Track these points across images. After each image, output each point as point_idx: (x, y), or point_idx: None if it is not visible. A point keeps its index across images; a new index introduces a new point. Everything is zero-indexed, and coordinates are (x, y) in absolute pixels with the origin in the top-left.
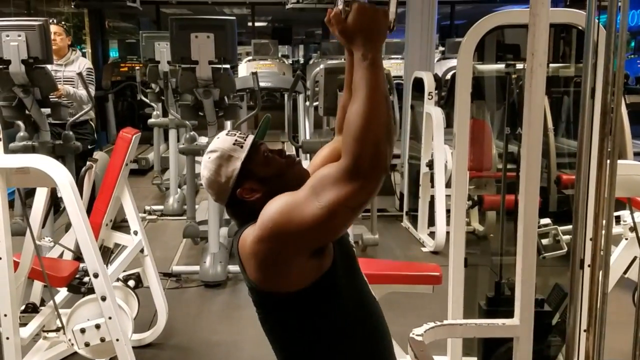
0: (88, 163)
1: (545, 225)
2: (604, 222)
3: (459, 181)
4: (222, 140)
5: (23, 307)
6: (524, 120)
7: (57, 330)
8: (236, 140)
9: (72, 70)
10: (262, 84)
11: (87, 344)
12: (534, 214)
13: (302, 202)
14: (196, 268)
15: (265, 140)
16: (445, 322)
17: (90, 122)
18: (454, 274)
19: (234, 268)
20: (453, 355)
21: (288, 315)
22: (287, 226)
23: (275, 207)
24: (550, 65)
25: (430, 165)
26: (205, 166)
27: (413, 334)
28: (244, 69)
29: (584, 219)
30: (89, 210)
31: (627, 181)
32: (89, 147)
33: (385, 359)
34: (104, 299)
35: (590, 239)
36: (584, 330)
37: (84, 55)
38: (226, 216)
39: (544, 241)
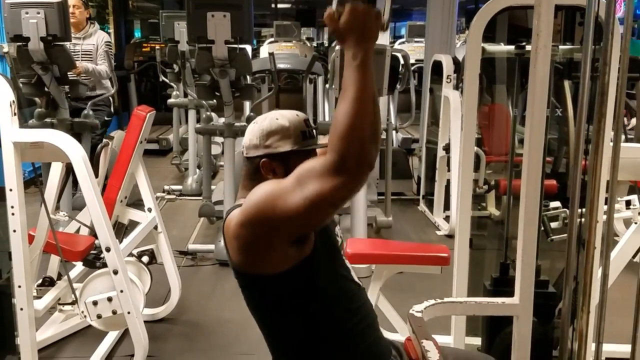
0: (104, 140)
1: (555, 208)
2: (598, 203)
3: (466, 163)
4: (298, 120)
5: (40, 281)
6: (528, 101)
7: (72, 303)
8: (306, 131)
9: (91, 43)
10: (280, 66)
11: (99, 316)
12: (536, 194)
13: (286, 191)
14: (211, 247)
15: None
16: (445, 299)
17: (109, 97)
18: (458, 253)
19: None
20: (456, 335)
21: (268, 296)
22: (269, 214)
23: (259, 194)
24: (570, 48)
25: (447, 149)
26: (268, 119)
27: (413, 310)
28: (266, 50)
29: (577, 199)
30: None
31: (633, 164)
32: (106, 118)
33: (366, 339)
34: (115, 272)
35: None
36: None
37: (108, 35)
38: None
39: (553, 224)
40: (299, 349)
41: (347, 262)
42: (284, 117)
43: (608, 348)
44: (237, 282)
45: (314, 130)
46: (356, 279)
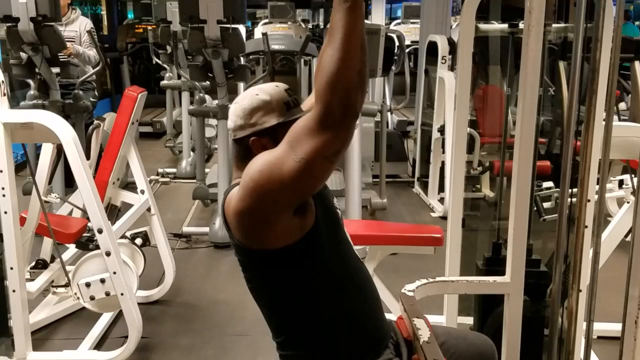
0: (95, 122)
1: (548, 188)
2: (589, 181)
3: (459, 144)
4: (278, 91)
5: (33, 263)
6: (520, 80)
7: (66, 285)
8: (289, 102)
9: (73, 29)
10: (274, 47)
11: (92, 298)
12: (527, 174)
13: (279, 158)
14: (206, 229)
15: None
16: (437, 278)
17: (92, 82)
18: (451, 233)
19: None
20: (449, 314)
21: (271, 272)
22: (267, 184)
23: (255, 166)
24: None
25: (442, 130)
26: (247, 97)
27: (405, 289)
28: (260, 32)
29: (568, 178)
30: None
31: (625, 143)
32: (91, 99)
33: (367, 317)
34: (108, 254)
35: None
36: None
37: (100, 16)
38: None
39: (546, 204)
40: (300, 326)
41: (348, 236)
42: (263, 91)
43: (599, 327)
44: (232, 264)
45: (297, 99)
46: (357, 254)
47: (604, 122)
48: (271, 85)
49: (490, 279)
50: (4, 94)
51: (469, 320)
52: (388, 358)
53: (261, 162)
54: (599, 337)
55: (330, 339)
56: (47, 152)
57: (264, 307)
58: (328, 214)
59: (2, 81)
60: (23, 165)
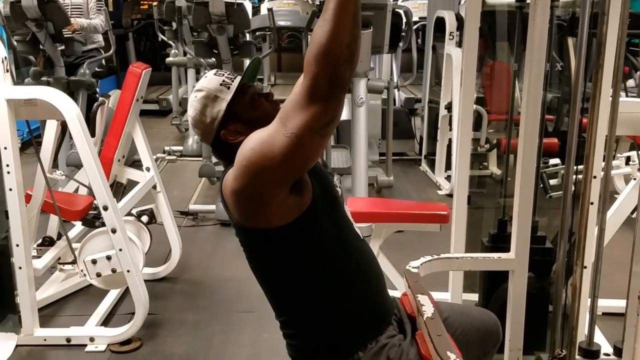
0: (100, 99)
1: (555, 165)
2: (594, 157)
3: (465, 121)
4: (209, 80)
5: (40, 241)
6: (526, 55)
7: (72, 262)
8: (223, 81)
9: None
10: (280, 23)
11: (98, 275)
12: (533, 150)
13: (271, 135)
14: (212, 207)
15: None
16: (442, 255)
17: (100, 50)
18: (456, 210)
19: None
20: (454, 291)
21: (270, 251)
22: (260, 161)
23: (248, 145)
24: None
25: (449, 107)
26: (191, 105)
27: (409, 266)
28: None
29: (573, 153)
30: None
31: (632, 119)
32: (97, 69)
33: (368, 295)
34: (114, 231)
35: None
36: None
37: None
38: None
39: (552, 181)
40: (301, 304)
41: (349, 214)
42: (198, 90)
43: (604, 303)
44: (238, 242)
45: (229, 73)
46: (359, 232)
47: (610, 99)
48: (201, 80)
49: (495, 255)
50: (7, 70)
51: (474, 297)
52: (391, 334)
53: (253, 140)
54: (603, 314)
55: (331, 317)
56: (51, 128)
57: (265, 286)
58: (326, 192)
59: (5, 57)
60: (29, 143)
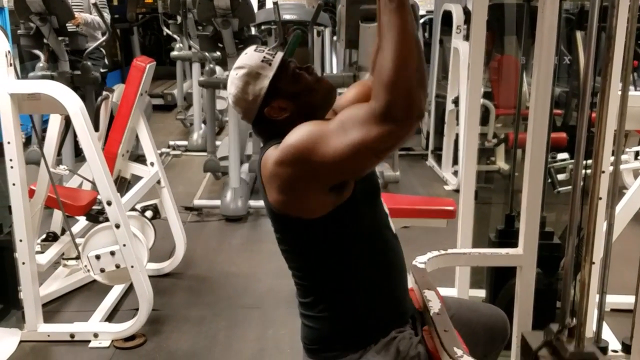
0: (104, 93)
1: (563, 160)
2: (603, 151)
3: (472, 115)
4: (249, 57)
5: (44, 236)
6: (535, 49)
7: (76, 258)
8: (265, 57)
9: None
10: (286, 17)
11: (102, 270)
12: (541, 145)
13: (328, 135)
14: (217, 202)
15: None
16: (449, 250)
17: (101, 49)
18: (463, 205)
19: (255, 203)
20: (461, 287)
21: (302, 239)
22: (309, 155)
23: (300, 134)
24: None
25: (456, 102)
26: (232, 83)
27: (416, 261)
28: (271, 1)
29: (582, 147)
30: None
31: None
32: (101, 70)
33: (394, 289)
34: (117, 226)
35: (603, 171)
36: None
37: None
38: (247, 152)
39: (561, 176)
40: (330, 289)
41: (385, 207)
42: (238, 67)
43: (613, 299)
44: (243, 238)
45: (270, 49)
46: (392, 226)
47: (620, 93)
48: (241, 56)
49: (503, 251)
50: (11, 65)
51: (481, 293)
52: (402, 329)
53: (307, 131)
54: (612, 310)
55: (356, 306)
56: (55, 123)
57: (294, 269)
58: (369, 185)
59: (9, 51)
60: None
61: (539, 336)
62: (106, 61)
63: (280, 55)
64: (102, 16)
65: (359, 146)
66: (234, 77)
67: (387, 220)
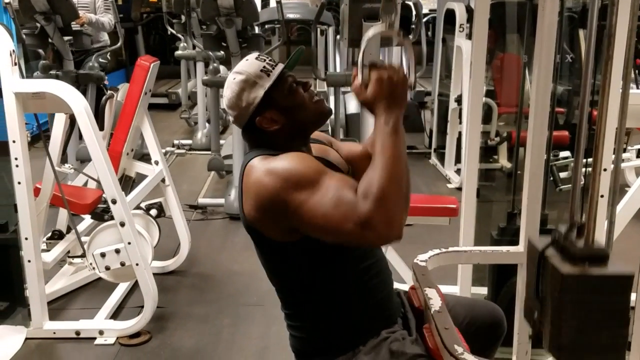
0: (109, 92)
1: (565, 158)
2: (603, 149)
3: (474, 113)
4: (250, 64)
5: (49, 234)
6: (535, 47)
7: (82, 256)
8: (264, 67)
9: None
10: (289, 16)
11: (107, 268)
12: (542, 143)
13: (314, 188)
14: (221, 201)
15: (294, 74)
16: (450, 248)
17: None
18: (465, 203)
19: None
20: (463, 284)
21: (276, 257)
22: (289, 195)
23: (291, 168)
24: None
25: (459, 100)
26: (228, 86)
27: (417, 259)
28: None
29: (583, 145)
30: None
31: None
32: (101, 60)
33: (375, 296)
34: (122, 224)
35: (604, 169)
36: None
37: None
38: None
39: (563, 174)
40: (307, 302)
41: None
42: (237, 72)
43: None
44: (247, 236)
45: (271, 60)
46: None
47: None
48: (242, 62)
49: (504, 248)
50: (15, 64)
51: (483, 291)
52: (393, 330)
53: (299, 170)
54: None
55: (337, 316)
56: (59, 122)
57: (272, 280)
58: None
59: (13, 50)
60: (38, 137)
61: (546, 239)
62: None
63: (280, 67)
64: (115, 13)
65: (329, 226)
66: (231, 81)
67: None
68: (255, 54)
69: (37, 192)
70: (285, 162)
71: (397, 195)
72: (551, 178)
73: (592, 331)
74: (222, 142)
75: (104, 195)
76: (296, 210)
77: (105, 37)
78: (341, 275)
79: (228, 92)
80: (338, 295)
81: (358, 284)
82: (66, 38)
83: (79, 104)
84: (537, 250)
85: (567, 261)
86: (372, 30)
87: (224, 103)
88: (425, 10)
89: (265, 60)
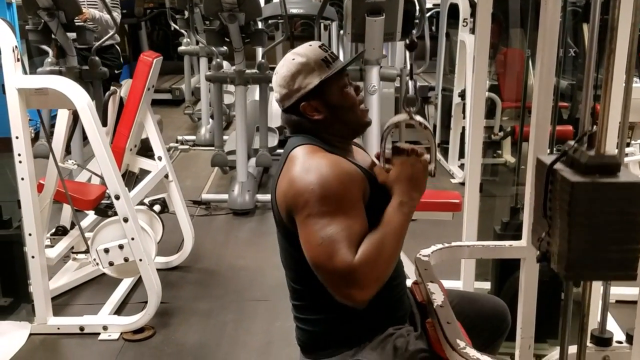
0: (112, 88)
1: None
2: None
3: (477, 108)
4: (313, 50)
5: (53, 230)
6: (538, 41)
7: (85, 251)
8: (326, 58)
9: None
10: (293, 11)
11: (111, 264)
12: (545, 137)
13: (330, 216)
14: (225, 196)
15: None
16: (453, 243)
17: (116, 47)
18: (468, 198)
19: (262, 197)
20: (466, 279)
21: (296, 244)
22: (309, 204)
23: (329, 180)
24: None
25: (463, 95)
26: (285, 64)
27: (420, 254)
28: None
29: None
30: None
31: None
32: (116, 71)
33: (390, 295)
34: (126, 220)
35: None
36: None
37: None
38: (255, 146)
39: None
40: (322, 295)
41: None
42: (299, 54)
43: (617, 291)
44: (251, 231)
45: (333, 53)
46: None
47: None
48: (305, 46)
49: (507, 243)
50: (18, 60)
51: (487, 286)
52: (399, 326)
53: (335, 188)
54: (617, 301)
55: (349, 312)
56: (63, 118)
57: (289, 268)
58: (378, 205)
59: (16, 46)
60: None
61: (555, 155)
62: (121, 60)
63: (340, 62)
64: (110, 13)
65: (318, 261)
66: (290, 61)
67: None
68: (318, 42)
69: (40, 188)
70: (327, 170)
71: (390, 266)
72: None
73: (603, 245)
74: (225, 137)
75: (107, 191)
76: (304, 219)
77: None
78: None
79: (284, 70)
80: None
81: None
82: (70, 35)
83: (81, 100)
84: (545, 165)
85: (577, 172)
86: (394, 119)
87: (274, 80)
88: (429, 5)
89: (327, 51)
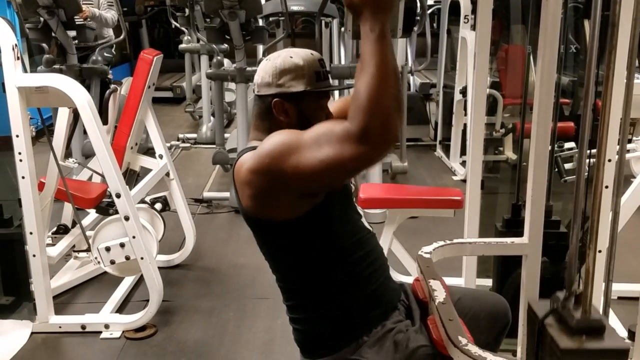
0: (113, 86)
1: (570, 149)
2: (607, 139)
3: (478, 104)
4: (312, 59)
5: (55, 229)
6: (540, 37)
7: (87, 250)
8: (320, 72)
9: None
10: (293, 8)
11: (112, 262)
12: (546, 134)
13: (302, 147)
14: (226, 194)
15: None
16: (454, 240)
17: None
18: (470, 195)
19: None
20: (467, 276)
21: (279, 241)
22: (282, 166)
23: (274, 143)
24: None
25: (464, 92)
26: (281, 57)
27: (421, 251)
28: None
29: (587, 135)
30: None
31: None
32: (105, 54)
33: (373, 284)
34: (127, 218)
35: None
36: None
37: None
38: None
39: (567, 165)
40: (308, 291)
41: (358, 208)
42: (298, 55)
43: (619, 287)
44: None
45: (328, 72)
46: (367, 225)
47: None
48: (307, 51)
49: (508, 240)
50: (18, 58)
51: (488, 282)
52: (397, 320)
53: (282, 141)
54: (619, 298)
55: (337, 305)
56: (63, 116)
57: (274, 270)
58: (342, 189)
59: (16, 45)
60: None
61: (545, 305)
62: (113, 52)
63: (329, 83)
64: (118, 9)
65: (331, 163)
66: (287, 57)
67: (360, 221)
68: (319, 56)
69: (41, 186)
70: (265, 144)
71: (388, 100)
72: (556, 169)
73: None
74: (226, 135)
75: (108, 190)
76: (295, 174)
77: (110, 33)
78: (339, 262)
79: (278, 61)
80: (333, 284)
81: (355, 273)
82: (70, 33)
83: (82, 98)
84: (537, 319)
85: (565, 333)
86: None
87: (263, 63)
88: (430, 2)
89: (323, 67)
